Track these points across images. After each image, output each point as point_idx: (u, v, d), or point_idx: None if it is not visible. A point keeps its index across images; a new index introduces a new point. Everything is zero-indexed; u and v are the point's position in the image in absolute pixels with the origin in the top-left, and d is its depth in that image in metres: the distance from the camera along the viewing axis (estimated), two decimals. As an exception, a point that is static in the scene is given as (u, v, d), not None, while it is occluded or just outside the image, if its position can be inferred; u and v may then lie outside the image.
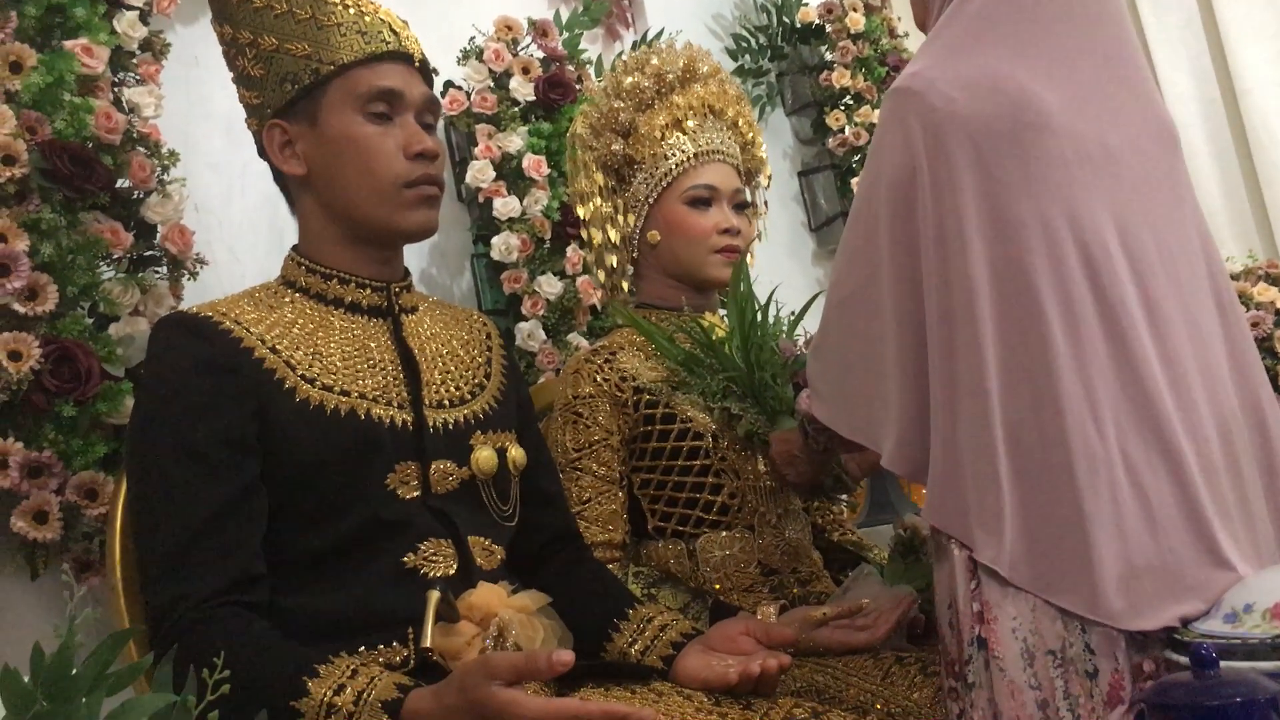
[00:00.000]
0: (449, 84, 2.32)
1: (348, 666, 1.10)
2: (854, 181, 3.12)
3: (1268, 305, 2.56)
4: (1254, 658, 0.96)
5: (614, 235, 1.83)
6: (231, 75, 1.40)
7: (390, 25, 1.36)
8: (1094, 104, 1.20)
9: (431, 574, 1.26)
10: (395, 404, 1.31)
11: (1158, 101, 1.29)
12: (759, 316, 1.69)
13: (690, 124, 1.82)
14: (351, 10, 1.33)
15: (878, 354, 1.24)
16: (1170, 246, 1.20)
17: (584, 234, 1.89)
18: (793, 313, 1.79)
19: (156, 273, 1.66)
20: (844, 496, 1.89)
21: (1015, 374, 1.11)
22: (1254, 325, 2.51)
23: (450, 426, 1.34)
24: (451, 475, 1.32)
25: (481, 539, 1.33)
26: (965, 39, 1.22)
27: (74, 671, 0.85)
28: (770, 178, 2.01)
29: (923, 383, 1.18)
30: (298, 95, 1.32)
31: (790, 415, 1.62)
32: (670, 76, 1.83)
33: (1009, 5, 1.22)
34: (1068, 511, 1.07)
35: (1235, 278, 2.66)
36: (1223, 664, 0.93)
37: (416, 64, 1.39)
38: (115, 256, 1.59)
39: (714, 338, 1.71)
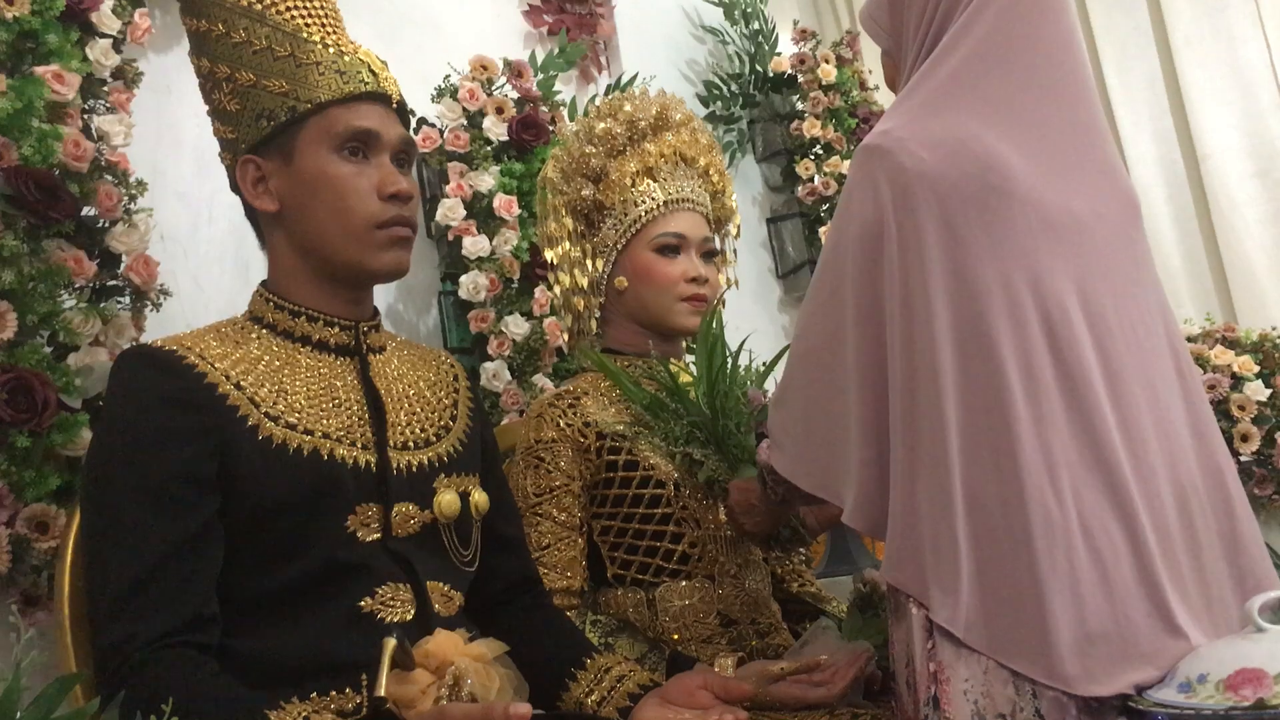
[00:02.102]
0: (422, 121, 2.33)
1: (299, 713, 1.09)
2: (822, 230, 3.14)
3: (1224, 368, 2.60)
4: (1207, 729, 0.97)
5: (582, 280, 1.83)
6: (207, 108, 1.39)
7: (369, 66, 1.36)
8: (1059, 171, 1.22)
9: (388, 619, 1.24)
10: (359, 444, 1.30)
11: (1121, 171, 1.31)
12: (728, 364, 1.70)
13: (661, 171, 1.83)
14: (331, 49, 1.34)
15: (840, 408, 1.25)
16: (1130, 313, 1.22)
17: (552, 277, 1.89)
18: (764, 364, 1.80)
19: (119, 303, 1.64)
20: (800, 550, 1.89)
21: (975, 436, 1.12)
22: (1211, 388, 2.55)
23: (414, 469, 1.33)
24: (413, 518, 1.31)
25: (441, 584, 1.31)
26: (936, 100, 1.24)
27: (18, 716, 0.84)
28: (740, 226, 2.02)
29: (884, 439, 1.19)
30: (273, 132, 1.32)
31: (752, 464, 1.62)
32: (642, 123, 1.84)
33: (980, 70, 1.24)
34: (1024, 575, 1.08)
35: (1193, 341, 2.71)
36: (1176, 734, 0.94)
37: (394, 105, 1.39)
38: (77, 285, 1.57)
39: (679, 383, 1.72)
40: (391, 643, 1.13)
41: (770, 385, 1.76)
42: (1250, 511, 1.27)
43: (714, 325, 1.71)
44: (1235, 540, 1.23)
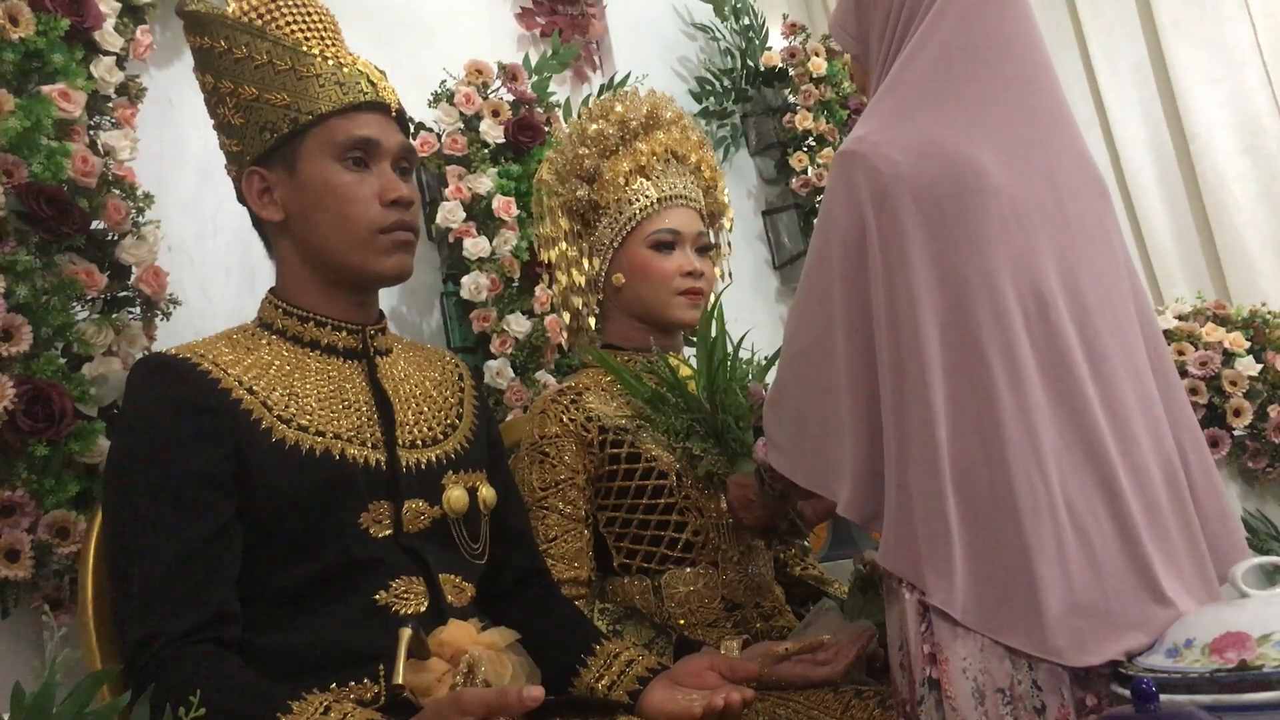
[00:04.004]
0: (420, 126, 2.36)
1: (320, 703, 1.12)
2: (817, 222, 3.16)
3: (1215, 345, 2.63)
4: (1194, 691, 1.00)
5: (579, 279, 1.87)
6: (213, 123, 1.42)
7: (368, 76, 1.40)
8: (1029, 162, 1.26)
9: (403, 611, 1.28)
10: (369, 444, 1.34)
11: (1088, 155, 1.35)
12: (729, 359, 1.73)
13: (654, 170, 1.86)
14: (330, 62, 1.37)
15: (832, 405, 1.28)
16: (1108, 294, 1.26)
17: (549, 277, 1.92)
18: (766, 358, 1.83)
19: (130, 313, 1.68)
20: (799, 541, 1.92)
21: (963, 423, 1.16)
22: (1202, 365, 2.58)
23: (423, 466, 1.37)
24: (423, 514, 1.35)
25: (452, 576, 1.35)
26: (906, 105, 1.28)
27: (55, 710, 0.87)
28: (733, 219, 2.05)
29: (876, 432, 1.23)
30: (277, 144, 1.35)
31: (750, 459, 1.65)
32: (634, 123, 1.87)
33: (946, 71, 1.28)
34: (1014, 554, 1.12)
35: (1184, 319, 2.74)
36: (1163, 697, 0.97)
37: (393, 113, 1.42)
38: (89, 297, 1.61)
39: (679, 377, 1.75)
40: (407, 633, 1.17)
41: (772, 378, 1.79)
42: (1218, 480, 1.31)
43: (715, 322, 1.74)
44: (1200, 509, 1.27)
